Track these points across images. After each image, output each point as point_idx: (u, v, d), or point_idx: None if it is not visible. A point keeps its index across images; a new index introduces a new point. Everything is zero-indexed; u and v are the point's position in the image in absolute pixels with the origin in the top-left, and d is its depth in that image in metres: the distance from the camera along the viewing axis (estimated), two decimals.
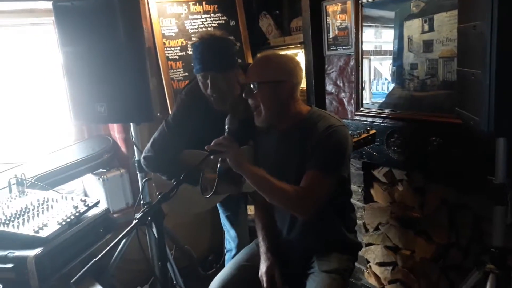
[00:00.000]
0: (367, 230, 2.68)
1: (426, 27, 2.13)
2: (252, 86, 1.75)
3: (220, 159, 1.70)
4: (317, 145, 1.69)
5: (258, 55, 3.25)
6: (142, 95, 2.15)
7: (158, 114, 2.27)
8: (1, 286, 1.51)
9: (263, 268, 1.86)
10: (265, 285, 1.82)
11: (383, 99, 2.45)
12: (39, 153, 2.80)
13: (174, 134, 2.10)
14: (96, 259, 1.32)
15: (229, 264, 1.99)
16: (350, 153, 1.77)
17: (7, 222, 1.90)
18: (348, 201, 2.00)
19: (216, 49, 1.95)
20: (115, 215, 2.84)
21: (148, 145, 2.16)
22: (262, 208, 2.02)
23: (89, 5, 2.13)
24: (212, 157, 1.67)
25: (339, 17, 2.67)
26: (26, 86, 2.96)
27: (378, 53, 2.57)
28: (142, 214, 1.45)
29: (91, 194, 3.05)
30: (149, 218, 1.50)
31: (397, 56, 2.33)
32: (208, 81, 1.97)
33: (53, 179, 2.67)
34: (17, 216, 1.95)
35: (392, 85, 2.40)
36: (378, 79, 2.60)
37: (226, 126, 1.77)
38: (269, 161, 1.88)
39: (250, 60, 3.20)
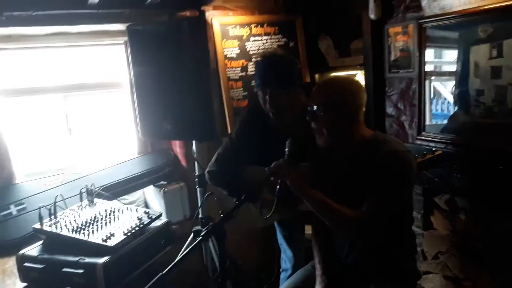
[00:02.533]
0: (425, 258, 2.60)
1: (495, 53, 2.07)
2: (315, 109, 1.78)
3: (279, 181, 1.74)
4: (381, 171, 1.67)
5: (318, 77, 3.35)
6: (206, 115, 2.25)
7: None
8: None
9: None
10: None
11: (444, 121, 2.40)
12: (106, 164, 2.98)
13: (237, 150, 2.18)
14: (163, 273, 1.38)
15: (284, 285, 2.01)
16: (414, 180, 1.74)
17: (78, 230, 2.04)
18: (409, 229, 1.96)
19: (277, 66, 2.00)
20: (173, 227, 2.94)
21: (213, 160, 2.25)
22: (320, 230, 2.02)
23: (160, 29, 2.28)
24: (272, 178, 1.71)
25: (401, 38, 2.65)
26: (95, 100, 3.19)
27: (439, 74, 2.53)
28: (206, 231, 1.51)
29: (152, 204, 3.19)
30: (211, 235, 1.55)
31: (461, 80, 2.28)
32: (267, 96, 2.02)
33: (118, 190, 2.83)
34: (87, 224, 2.09)
35: (453, 107, 2.34)
36: (438, 99, 2.55)
37: (286, 149, 1.81)
38: (328, 182, 1.89)
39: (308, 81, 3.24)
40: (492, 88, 2.10)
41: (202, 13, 2.87)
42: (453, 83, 2.37)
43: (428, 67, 2.49)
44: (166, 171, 3.06)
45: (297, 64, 2.07)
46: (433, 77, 2.52)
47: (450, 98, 2.40)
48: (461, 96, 2.29)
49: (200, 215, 2.65)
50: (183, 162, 3.08)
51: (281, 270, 2.63)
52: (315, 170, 1.98)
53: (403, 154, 1.70)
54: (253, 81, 3.02)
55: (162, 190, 3.00)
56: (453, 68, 2.32)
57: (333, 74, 3.28)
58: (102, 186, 2.74)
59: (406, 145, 1.79)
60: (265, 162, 1.84)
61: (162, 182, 3.08)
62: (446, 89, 2.94)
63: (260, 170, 1.93)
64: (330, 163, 1.92)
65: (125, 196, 2.99)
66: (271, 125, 2.11)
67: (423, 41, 2.47)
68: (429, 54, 2.48)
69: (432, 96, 2.53)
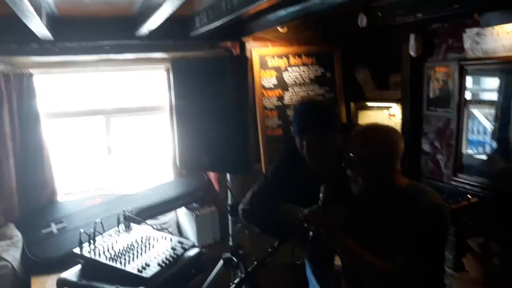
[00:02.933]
0: None
1: None
2: (351, 157, 1.79)
3: (312, 228, 1.76)
4: (417, 224, 1.67)
5: (353, 105, 3.34)
6: (242, 149, 2.30)
7: None
8: None
9: None
10: None
11: (480, 149, 2.35)
12: (143, 186, 3.08)
13: (272, 189, 2.19)
14: None
15: None
16: (447, 235, 1.73)
17: (115, 257, 2.12)
18: (441, 278, 1.93)
19: (315, 114, 2.01)
20: (203, 250, 3.01)
21: (247, 198, 2.26)
22: (349, 273, 2.03)
23: (203, 65, 2.36)
24: (305, 225, 1.74)
25: (441, 77, 2.63)
26: (136, 123, 3.30)
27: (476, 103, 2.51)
28: (239, 280, 1.54)
29: (183, 225, 3.27)
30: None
31: (502, 127, 2.24)
32: (304, 142, 2.04)
33: (152, 212, 2.93)
34: (124, 252, 2.17)
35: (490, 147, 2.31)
36: (475, 121, 2.50)
37: (321, 195, 1.83)
38: (361, 230, 1.89)
39: (343, 111, 3.25)
40: None
41: (243, 44, 2.93)
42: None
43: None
44: (199, 195, 3.13)
45: (335, 109, 2.08)
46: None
47: (488, 125, 2.38)
48: (501, 142, 2.25)
49: (230, 243, 2.70)
50: (216, 187, 3.14)
51: None
52: (349, 217, 1.99)
53: (439, 208, 1.69)
54: (288, 112, 3.07)
55: (194, 213, 3.07)
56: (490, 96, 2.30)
57: (370, 103, 3.28)
58: (138, 208, 2.84)
59: (440, 196, 1.77)
60: (300, 202, 1.89)
61: (194, 205, 3.15)
62: (483, 116, 2.91)
63: (295, 209, 1.96)
64: (364, 211, 1.92)
65: (158, 217, 3.08)
66: (307, 167, 2.13)
67: (463, 82, 2.45)
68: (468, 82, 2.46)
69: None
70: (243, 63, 2.30)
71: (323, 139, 1.99)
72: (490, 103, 2.44)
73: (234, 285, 1.54)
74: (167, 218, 3.25)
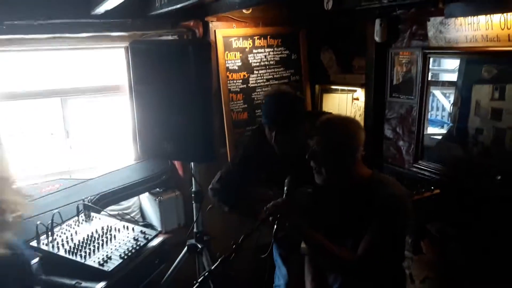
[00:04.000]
0: (413, 281, 2.66)
1: (497, 95, 2.08)
2: (314, 149, 1.79)
3: (276, 223, 1.76)
4: (377, 214, 1.70)
5: (318, 88, 3.33)
6: (206, 136, 2.25)
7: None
8: None
9: None
10: None
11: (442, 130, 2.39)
12: (103, 170, 2.98)
13: (239, 171, 2.27)
14: None
15: None
16: (409, 224, 1.78)
17: (75, 250, 2.06)
18: (401, 265, 2.00)
19: (284, 106, 2.04)
20: (166, 235, 2.97)
21: (216, 178, 2.35)
22: (313, 261, 2.06)
23: (163, 48, 2.25)
24: (270, 219, 1.74)
25: (404, 65, 2.64)
26: (94, 104, 3.16)
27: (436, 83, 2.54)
28: (202, 278, 1.53)
29: (147, 211, 3.22)
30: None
31: (461, 116, 2.30)
32: (273, 133, 2.07)
33: (114, 197, 2.84)
34: (84, 245, 2.11)
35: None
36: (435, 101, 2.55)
37: (285, 188, 1.83)
38: (325, 218, 1.92)
39: (308, 94, 3.24)
40: (491, 129, 2.12)
41: (206, 24, 2.83)
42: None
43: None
44: (163, 179, 3.06)
45: (303, 101, 2.10)
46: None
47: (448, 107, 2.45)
48: (459, 132, 2.31)
49: (195, 229, 2.68)
50: (180, 171, 3.09)
51: (274, 285, 2.69)
52: (312, 208, 2.00)
53: (399, 198, 1.73)
54: (254, 95, 3.03)
55: (157, 199, 3.02)
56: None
57: (334, 87, 3.28)
58: (98, 193, 2.75)
59: (401, 186, 1.81)
60: (268, 185, 2.07)
61: (157, 190, 3.10)
62: (445, 98, 2.99)
63: (263, 193, 2.10)
64: (328, 200, 1.94)
65: (120, 202, 3.01)
66: (275, 152, 2.17)
67: (426, 71, 2.47)
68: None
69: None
70: (206, 48, 2.21)
71: (291, 131, 2.04)
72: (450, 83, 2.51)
73: (197, 284, 1.52)
74: (130, 203, 3.19)
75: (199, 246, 2.63)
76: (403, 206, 1.73)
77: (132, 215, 3.11)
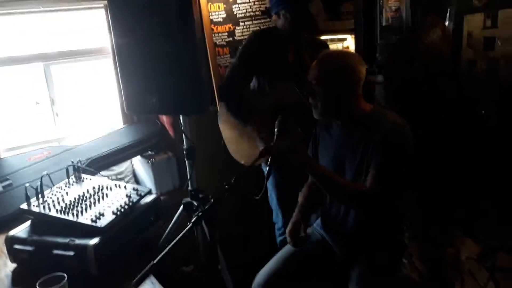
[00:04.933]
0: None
1: (489, 23, 2.02)
2: (313, 84, 1.76)
3: (270, 159, 1.72)
4: (379, 145, 1.69)
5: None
6: (193, 87, 2.16)
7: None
8: (65, 276, 1.61)
9: (289, 227, 1.96)
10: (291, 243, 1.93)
11: None
12: (92, 136, 2.92)
13: (242, 69, 2.41)
14: (154, 262, 1.39)
15: (275, 258, 2.04)
16: (413, 154, 1.74)
17: (67, 210, 2.01)
18: (407, 200, 1.97)
19: None
20: (162, 197, 2.93)
21: (225, 77, 2.53)
22: (311, 187, 2.05)
23: None
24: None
25: (393, 2, 2.56)
26: (77, 69, 3.07)
27: None
28: (196, 217, 1.49)
29: (140, 175, 3.17)
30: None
31: (453, 50, 2.23)
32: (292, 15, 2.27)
33: (105, 162, 2.79)
34: (76, 204, 2.06)
35: None
36: None
37: (276, 129, 1.78)
38: (329, 154, 1.91)
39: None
40: (484, 60, 2.06)
41: None
42: None
43: None
44: (153, 142, 3.01)
45: None
46: None
47: None
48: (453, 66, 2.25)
49: (189, 188, 2.64)
50: (171, 132, 3.03)
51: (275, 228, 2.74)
52: (317, 142, 1.99)
53: (401, 126, 1.72)
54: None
55: (150, 161, 2.97)
56: None
57: (323, 37, 3.18)
58: (88, 159, 2.70)
59: (403, 118, 1.77)
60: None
61: (149, 153, 3.04)
62: None
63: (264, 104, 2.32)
64: (330, 136, 1.92)
65: (112, 167, 2.96)
66: (277, 49, 2.35)
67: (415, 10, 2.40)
68: None
69: None
70: None
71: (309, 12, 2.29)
72: None
73: (190, 224, 1.49)
74: (123, 168, 3.14)
75: (195, 203, 2.59)
76: (406, 132, 1.71)
77: (125, 180, 3.07)
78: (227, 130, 2.62)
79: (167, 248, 1.43)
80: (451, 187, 2.35)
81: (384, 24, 2.59)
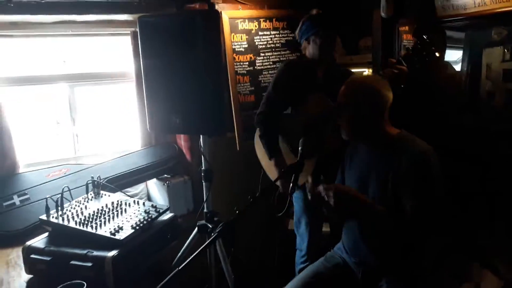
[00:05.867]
0: None
1: (508, 56, 2.08)
2: (341, 106, 1.82)
3: (293, 178, 1.74)
4: (409, 173, 1.70)
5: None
6: (216, 109, 2.22)
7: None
8: (85, 284, 1.60)
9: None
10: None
11: None
12: (110, 156, 2.96)
13: (277, 97, 2.48)
14: (179, 268, 1.38)
15: (294, 281, 2.01)
16: (440, 179, 1.73)
17: (85, 222, 2.02)
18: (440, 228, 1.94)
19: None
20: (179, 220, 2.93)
21: (262, 104, 2.55)
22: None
23: (172, 21, 2.25)
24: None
25: (409, 37, 2.65)
26: (101, 91, 3.15)
27: None
28: (220, 229, 1.49)
29: (155, 198, 3.17)
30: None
31: (471, 82, 2.28)
32: (322, 40, 2.39)
33: (122, 182, 2.81)
34: (94, 217, 2.07)
35: None
36: None
37: (300, 148, 1.82)
38: (355, 174, 1.94)
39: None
40: (503, 91, 2.10)
41: (212, 6, 2.83)
42: None
43: None
44: (170, 165, 3.05)
45: None
46: None
47: None
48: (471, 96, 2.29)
49: (205, 210, 2.64)
50: (188, 156, 3.06)
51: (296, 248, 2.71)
52: (342, 164, 2.01)
53: (430, 152, 1.73)
54: (261, 78, 3.03)
55: (166, 184, 2.98)
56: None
57: None
58: (106, 178, 2.72)
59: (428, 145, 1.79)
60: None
61: (166, 176, 3.06)
62: None
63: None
64: (357, 157, 1.95)
65: (128, 189, 2.96)
66: (310, 74, 2.46)
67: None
68: None
69: None
70: (214, 18, 2.21)
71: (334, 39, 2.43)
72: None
73: (213, 236, 1.48)
74: (138, 190, 3.16)
75: (210, 226, 2.58)
76: (435, 158, 1.72)
77: None
78: (265, 157, 2.61)
79: (192, 256, 1.42)
80: (469, 216, 2.33)
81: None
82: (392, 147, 1.78)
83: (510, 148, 2.06)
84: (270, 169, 2.52)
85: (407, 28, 2.75)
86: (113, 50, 3.13)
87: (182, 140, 3.06)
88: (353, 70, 3.16)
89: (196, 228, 2.61)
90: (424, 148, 1.74)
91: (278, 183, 2.04)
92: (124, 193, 2.59)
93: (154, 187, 3.15)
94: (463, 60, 2.41)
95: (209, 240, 1.50)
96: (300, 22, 2.54)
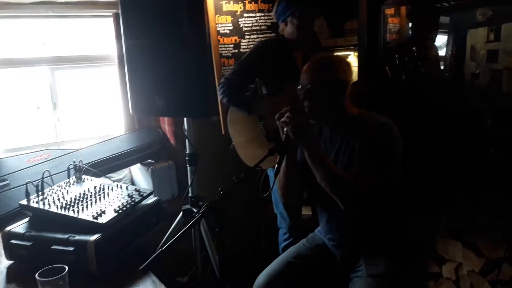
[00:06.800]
0: None
1: (492, 36, 2.08)
2: (308, 87, 1.78)
3: (278, 159, 1.72)
4: (365, 143, 1.71)
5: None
6: (201, 90, 2.18)
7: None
8: (66, 268, 1.56)
9: None
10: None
11: None
12: (93, 141, 2.90)
13: (244, 71, 2.48)
14: (163, 249, 1.36)
15: (277, 261, 2.01)
16: (399, 152, 1.75)
17: (67, 206, 1.97)
18: (400, 203, 1.95)
19: None
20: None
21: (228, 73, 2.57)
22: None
23: (155, 1, 2.18)
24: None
25: (394, 21, 2.64)
26: (82, 74, 3.08)
27: None
28: (205, 209, 1.47)
29: (139, 183, 3.14)
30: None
31: (456, 63, 2.29)
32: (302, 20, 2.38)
33: (105, 167, 2.76)
34: (76, 201, 2.03)
35: None
36: None
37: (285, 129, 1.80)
38: None
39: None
40: (487, 72, 2.11)
41: None
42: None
43: None
44: (154, 149, 3.01)
45: None
46: None
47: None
48: (456, 79, 2.29)
49: (190, 194, 2.61)
50: (172, 140, 3.03)
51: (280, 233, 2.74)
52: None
53: (388, 125, 1.74)
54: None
55: (150, 169, 2.94)
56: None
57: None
58: (88, 163, 2.66)
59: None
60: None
61: (149, 161, 3.02)
62: None
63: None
64: (321, 139, 1.93)
65: (111, 174, 2.92)
66: (287, 55, 2.44)
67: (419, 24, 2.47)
68: None
69: None
70: None
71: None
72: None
73: (199, 215, 1.47)
74: (121, 175, 3.12)
75: (194, 210, 2.56)
76: (392, 132, 1.73)
77: None
78: (237, 136, 2.65)
79: (175, 237, 1.40)
80: (452, 197, 2.36)
81: (388, 38, 2.65)
82: (355, 125, 1.78)
83: (496, 127, 2.08)
84: (249, 158, 2.51)
85: (392, 11, 2.73)
86: (95, 32, 3.06)
87: (166, 125, 3.02)
88: (338, 53, 3.16)
89: (181, 213, 2.59)
90: (383, 121, 1.75)
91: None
92: (108, 178, 2.54)
93: (138, 172, 3.11)
94: (447, 43, 2.40)
95: (193, 220, 1.48)
96: (276, 2, 2.49)
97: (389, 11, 2.69)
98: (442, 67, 2.48)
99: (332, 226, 1.94)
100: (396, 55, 2.40)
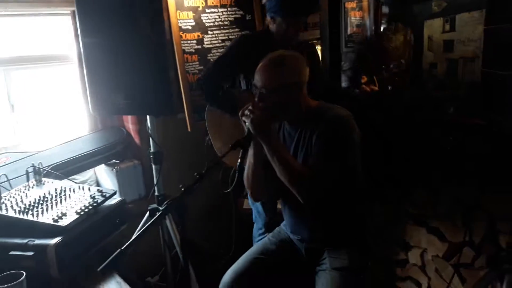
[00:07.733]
0: None
1: (447, 27, 2.13)
2: (265, 91, 1.77)
3: (241, 153, 1.71)
4: (320, 135, 1.72)
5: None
6: (162, 88, 2.16)
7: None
8: (24, 273, 1.51)
9: None
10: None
11: None
12: (54, 142, 2.81)
13: (225, 66, 2.47)
14: (122, 248, 1.33)
15: (243, 257, 2.01)
16: (356, 144, 1.77)
17: (26, 210, 1.91)
18: (361, 195, 1.97)
19: None
20: (128, 206, 2.84)
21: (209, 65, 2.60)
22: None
23: None
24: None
25: (356, 14, 2.67)
26: (40, 75, 2.98)
27: None
28: (166, 206, 1.45)
29: (104, 184, 3.06)
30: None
31: (414, 54, 2.33)
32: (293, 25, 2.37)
33: (67, 169, 2.67)
34: (36, 205, 1.96)
35: None
36: None
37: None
38: None
39: None
40: (444, 62, 2.16)
41: None
42: None
43: None
44: (118, 149, 2.93)
45: None
46: None
47: None
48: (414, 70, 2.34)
49: (156, 193, 2.58)
50: (136, 140, 2.96)
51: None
52: None
53: (343, 117, 1.75)
54: (210, 56, 2.96)
55: (114, 169, 2.88)
56: None
57: None
58: (50, 165, 2.58)
59: (347, 111, 1.80)
60: None
61: (114, 161, 2.96)
62: None
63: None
64: (280, 132, 1.94)
65: (75, 176, 2.84)
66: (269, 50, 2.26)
67: (379, 17, 2.50)
68: None
69: None
70: None
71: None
72: None
73: (161, 212, 1.44)
74: (86, 177, 3.03)
75: (161, 209, 2.52)
76: (347, 124, 1.74)
77: None
78: (212, 127, 2.63)
79: (135, 235, 1.37)
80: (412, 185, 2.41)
81: (349, 32, 2.68)
82: (313, 118, 1.78)
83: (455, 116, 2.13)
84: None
85: (354, 5, 2.76)
86: (53, 31, 2.96)
87: (130, 123, 2.96)
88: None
89: (148, 212, 2.55)
90: (342, 113, 1.77)
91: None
92: (71, 180, 2.47)
93: (103, 173, 3.04)
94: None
95: (154, 218, 1.46)
96: None
97: (351, 4, 2.72)
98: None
99: (295, 220, 1.95)
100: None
